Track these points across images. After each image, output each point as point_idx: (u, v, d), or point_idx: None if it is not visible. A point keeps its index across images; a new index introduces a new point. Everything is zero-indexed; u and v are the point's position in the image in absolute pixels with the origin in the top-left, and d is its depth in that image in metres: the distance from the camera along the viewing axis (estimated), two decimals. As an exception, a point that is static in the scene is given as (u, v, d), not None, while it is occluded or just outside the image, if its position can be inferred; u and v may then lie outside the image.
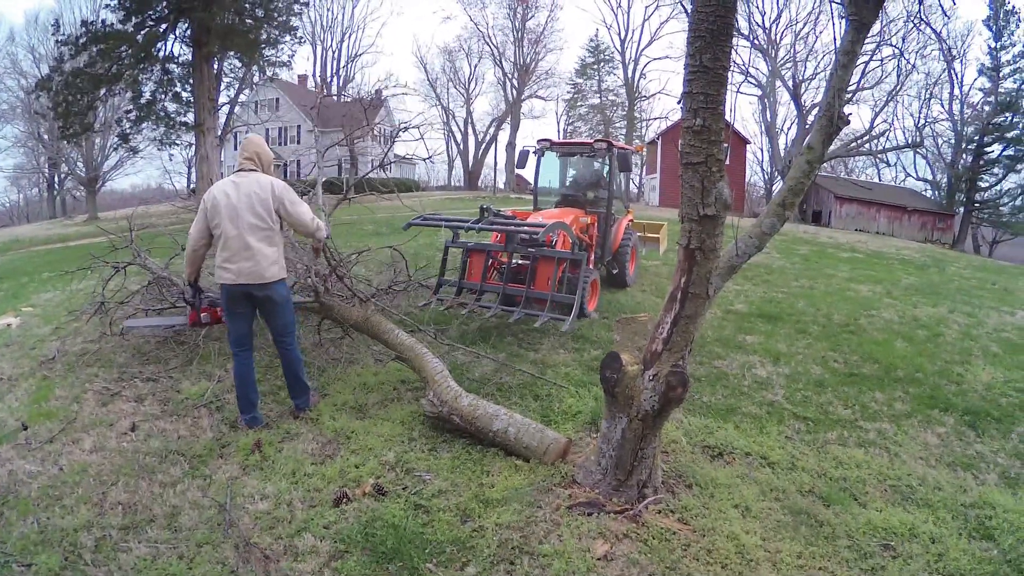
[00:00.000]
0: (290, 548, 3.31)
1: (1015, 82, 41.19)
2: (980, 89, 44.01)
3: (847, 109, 3.61)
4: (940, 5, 3.72)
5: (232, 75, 30.23)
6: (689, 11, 3.16)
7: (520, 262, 7.58)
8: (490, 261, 7.61)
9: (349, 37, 60.70)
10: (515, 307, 6.92)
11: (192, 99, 24.11)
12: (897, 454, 4.69)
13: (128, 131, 24.91)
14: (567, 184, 10.25)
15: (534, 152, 9.69)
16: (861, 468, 4.40)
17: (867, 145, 41.15)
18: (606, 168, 9.42)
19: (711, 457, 4.46)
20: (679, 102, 3.31)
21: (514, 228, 6.92)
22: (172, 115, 24.41)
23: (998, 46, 41.99)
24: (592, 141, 9.17)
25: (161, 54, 23.04)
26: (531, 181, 10.47)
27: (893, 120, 44.90)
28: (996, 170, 42.03)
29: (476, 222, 7.02)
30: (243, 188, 4.53)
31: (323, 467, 4.16)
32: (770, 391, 5.87)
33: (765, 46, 42.45)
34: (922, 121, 45.03)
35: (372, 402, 5.33)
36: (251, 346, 4.88)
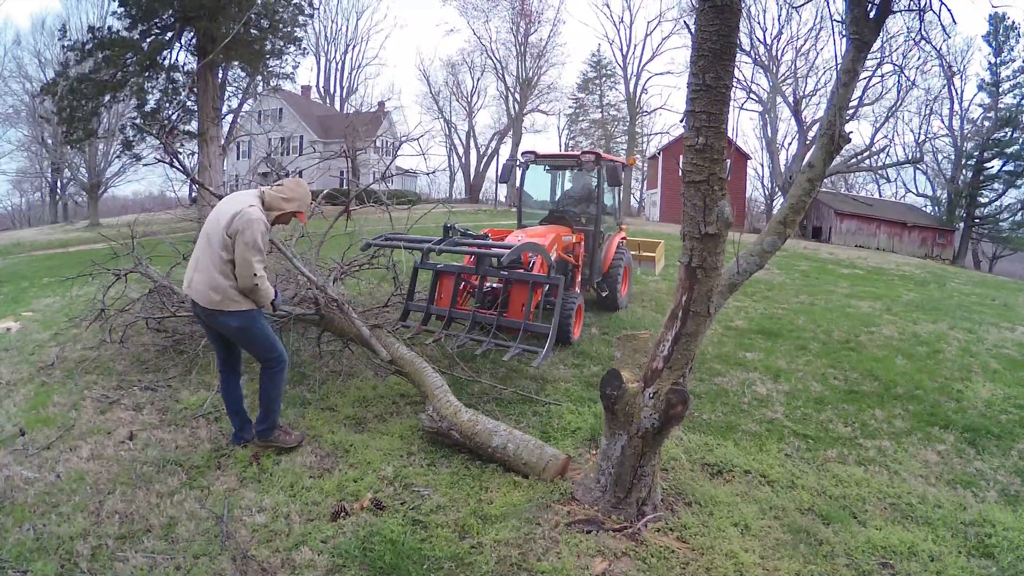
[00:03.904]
0: (287, 562, 3.30)
1: (1015, 97, 41.48)
2: (980, 105, 44.34)
3: (848, 126, 3.63)
4: (940, 22, 3.74)
5: (236, 85, 30.32)
6: (692, 30, 3.18)
7: (494, 286, 6.94)
8: (462, 285, 6.97)
9: (353, 49, 61.05)
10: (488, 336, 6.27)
11: (196, 108, 24.22)
12: (897, 472, 4.68)
13: (131, 138, 24.97)
14: (554, 199, 9.72)
15: (518, 165, 9.16)
16: (861, 486, 4.39)
17: (867, 161, 41.18)
18: (595, 182, 8.79)
19: (711, 475, 4.46)
20: (681, 120, 3.32)
21: (479, 249, 6.40)
22: (176, 123, 24.45)
23: (998, 61, 42.29)
24: (579, 153, 8.59)
25: (166, 62, 23.16)
26: (531, 195, 10.00)
27: (893, 136, 45.19)
28: (996, 185, 42.26)
29: (439, 242, 6.44)
30: (226, 206, 4.28)
31: (321, 481, 4.15)
32: (770, 408, 5.86)
33: (766, 62, 42.70)
34: (922, 137, 45.30)
35: (371, 416, 5.32)
36: (232, 371, 4.69)
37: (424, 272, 6.98)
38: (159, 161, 6.81)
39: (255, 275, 4.17)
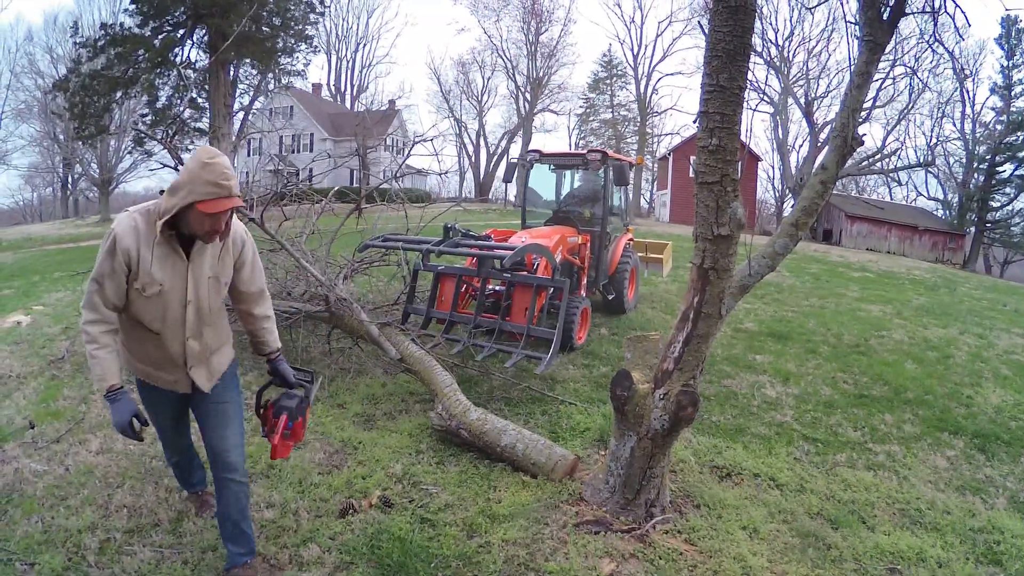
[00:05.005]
0: (295, 558, 3.30)
1: (1027, 101, 41.19)
2: (992, 108, 44.13)
3: (860, 129, 3.61)
4: (954, 24, 3.72)
5: (247, 82, 30.45)
6: (706, 31, 3.17)
7: (497, 289, 6.76)
8: (463, 287, 6.76)
9: (364, 47, 61.34)
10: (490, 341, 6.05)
11: (207, 105, 24.35)
12: (906, 477, 4.65)
13: (143, 135, 25.14)
14: (560, 199, 9.47)
15: (522, 164, 8.94)
16: (870, 491, 4.37)
17: (879, 164, 41.09)
18: (602, 182, 8.53)
19: (719, 477, 4.44)
20: (695, 121, 3.31)
21: (480, 251, 6.26)
22: (187, 120, 24.60)
23: (1010, 65, 42.06)
24: (585, 152, 8.30)
25: (178, 59, 23.30)
26: (540, 194, 9.87)
27: (905, 139, 44.98)
28: (1008, 190, 42.02)
29: (439, 244, 6.30)
30: None
31: (330, 477, 4.15)
32: (779, 411, 5.84)
33: (778, 64, 42.56)
34: (934, 140, 45.14)
35: (380, 413, 5.32)
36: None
37: (425, 274, 6.86)
38: (164, 166, 6.77)
39: (81, 318, 2.85)
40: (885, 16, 3.41)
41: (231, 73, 25.85)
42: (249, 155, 47.67)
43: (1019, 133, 40.31)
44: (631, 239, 9.60)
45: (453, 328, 6.49)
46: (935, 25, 3.78)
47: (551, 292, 6.43)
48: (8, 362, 6.60)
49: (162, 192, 2.78)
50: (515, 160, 9.09)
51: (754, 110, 45.13)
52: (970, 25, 3.64)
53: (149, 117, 24.39)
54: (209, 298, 2.88)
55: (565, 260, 7.49)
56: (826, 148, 3.68)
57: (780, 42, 43.11)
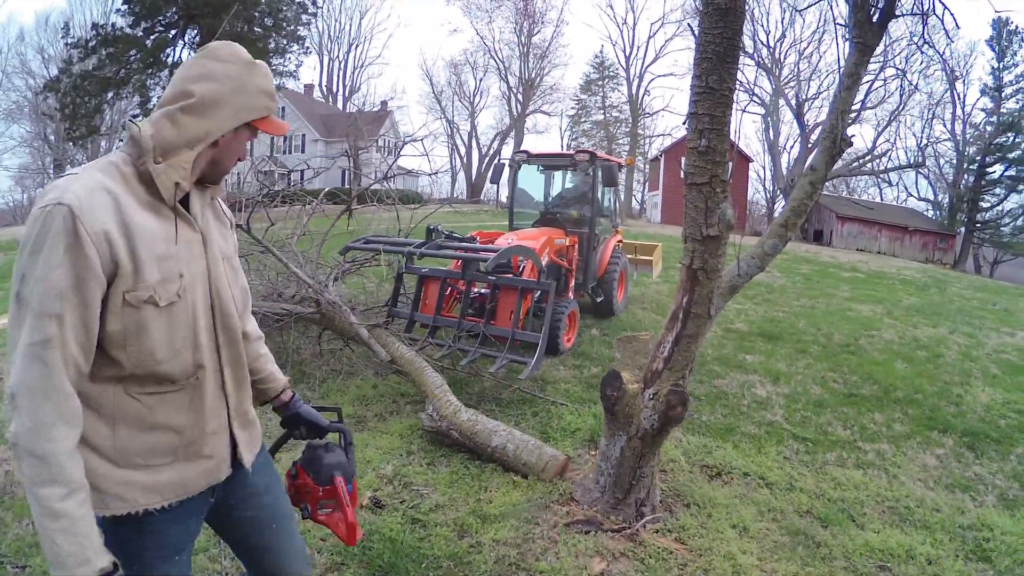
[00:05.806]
0: (286, 559, 3.29)
1: (1017, 102, 41.57)
2: (982, 109, 44.49)
3: (850, 130, 3.63)
4: (943, 26, 3.74)
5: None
6: (696, 32, 3.18)
7: (483, 291, 6.61)
8: (448, 290, 6.64)
9: (356, 48, 61.20)
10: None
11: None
12: (896, 475, 4.67)
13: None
14: (548, 200, 9.36)
15: (509, 165, 8.86)
16: (859, 489, 4.39)
17: (869, 165, 41.32)
18: (590, 183, 8.38)
19: (709, 477, 4.45)
20: (684, 122, 3.33)
21: (464, 253, 6.16)
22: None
23: (1000, 66, 42.40)
24: (573, 152, 8.25)
25: (170, 59, 23.24)
26: (531, 195, 9.78)
27: (895, 140, 45.24)
28: (998, 190, 42.36)
29: (421, 246, 6.19)
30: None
31: (321, 478, 4.13)
32: (769, 411, 5.86)
33: (769, 65, 42.75)
34: (924, 141, 45.40)
35: (371, 415, 5.32)
36: None
37: (410, 276, 6.80)
38: None
39: (11, 411, 1.35)
40: (875, 18, 3.43)
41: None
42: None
43: (1009, 134, 40.66)
44: (620, 241, 9.54)
45: (438, 332, 6.43)
46: (924, 27, 3.80)
47: (537, 295, 6.35)
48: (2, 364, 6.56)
49: (129, 156, 1.47)
50: (503, 161, 9.04)
51: (743, 111, 45.35)
52: (959, 27, 3.66)
53: (140, 118, 24.28)
54: (232, 293, 1.68)
55: (552, 262, 7.40)
56: (816, 149, 3.70)
57: (771, 44, 43.35)
